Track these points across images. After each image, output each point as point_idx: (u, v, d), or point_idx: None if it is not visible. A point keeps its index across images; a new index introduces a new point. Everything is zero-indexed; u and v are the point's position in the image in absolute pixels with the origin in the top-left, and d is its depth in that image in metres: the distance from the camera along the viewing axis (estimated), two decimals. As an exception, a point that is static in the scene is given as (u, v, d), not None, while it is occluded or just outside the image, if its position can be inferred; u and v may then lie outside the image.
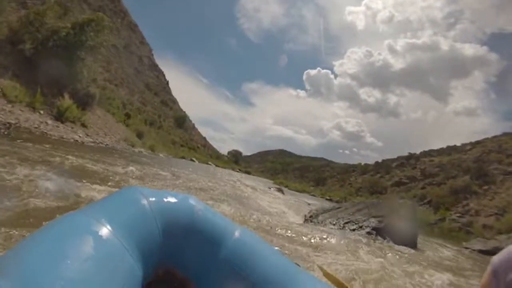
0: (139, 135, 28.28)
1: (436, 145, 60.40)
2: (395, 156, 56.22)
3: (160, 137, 40.12)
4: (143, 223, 1.10)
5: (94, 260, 0.83)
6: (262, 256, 1.27)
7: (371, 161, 59.93)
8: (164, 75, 79.47)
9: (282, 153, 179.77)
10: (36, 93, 14.51)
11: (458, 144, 50.13)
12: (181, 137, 57.79)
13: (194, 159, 36.97)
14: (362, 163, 63.69)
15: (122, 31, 61.16)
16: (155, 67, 75.01)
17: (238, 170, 50.46)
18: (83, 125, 17.49)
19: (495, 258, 0.89)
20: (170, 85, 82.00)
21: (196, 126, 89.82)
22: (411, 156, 50.97)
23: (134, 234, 1.04)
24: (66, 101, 17.37)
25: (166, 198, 1.26)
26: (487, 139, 43.91)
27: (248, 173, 58.17)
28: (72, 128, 15.51)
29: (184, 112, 79.78)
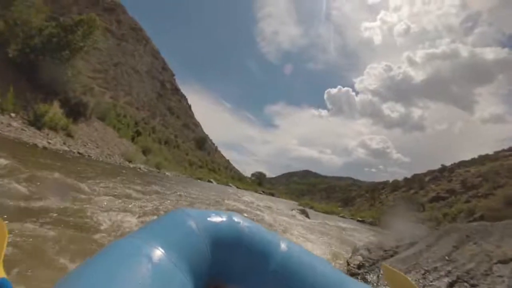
0: (146, 152, 26.09)
1: (466, 156, 56.04)
2: (425, 171, 52.26)
3: (174, 157, 37.95)
4: (191, 243, 1.04)
5: (148, 282, 0.79)
6: (311, 268, 1.12)
7: (399, 178, 55.89)
8: (186, 99, 79.45)
9: (307, 174, 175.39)
10: (10, 95, 12.59)
11: (490, 152, 45.90)
12: (201, 159, 56.11)
13: (212, 180, 34.33)
14: (391, 180, 59.94)
15: (144, 57, 63.01)
16: (177, 91, 75.05)
17: (261, 192, 48.46)
18: (69, 135, 15.20)
19: None
20: (193, 109, 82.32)
21: (219, 149, 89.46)
22: (444, 169, 46.51)
23: (184, 253, 0.99)
24: (55, 108, 15.45)
25: (211, 217, 1.17)
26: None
27: (272, 194, 56.14)
28: (47, 134, 13.16)
29: (206, 134, 79.51)
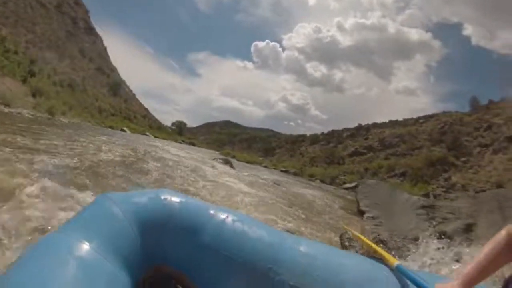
0: (36, 95, 21.46)
1: (379, 120, 60.23)
2: (341, 128, 54.83)
3: (80, 103, 32.58)
4: (118, 230, 1.12)
5: (75, 278, 0.87)
6: (246, 233, 1.27)
7: (317, 132, 58.84)
8: (102, 41, 71.32)
9: (228, 124, 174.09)
10: None
11: (400, 119, 50.01)
12: (114, 106, 50.71)
13: (126, 129, 30.56)
14: (308, 134, 62.11)
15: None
16: (91, 31, 66.67)
17: (181, 142, 45.53)
18: None
19: None
20: (110, 52, 74.12)
21: (138, 96, 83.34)
22: (361, 127, 49.09)
23: (111, 242, 1.06)
24: None
25: (137, 198, 1.28)
26: (436, 114, 43.54)
27: (193, 144, 53.31)
28: None
29: (123, 80, 72.81)
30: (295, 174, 28.20)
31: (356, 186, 22.81)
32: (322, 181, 25.27)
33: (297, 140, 54.89)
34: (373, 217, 8.49)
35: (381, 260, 1.37)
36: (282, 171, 29.22)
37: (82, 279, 0.89)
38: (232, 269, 1.19)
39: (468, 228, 5.09)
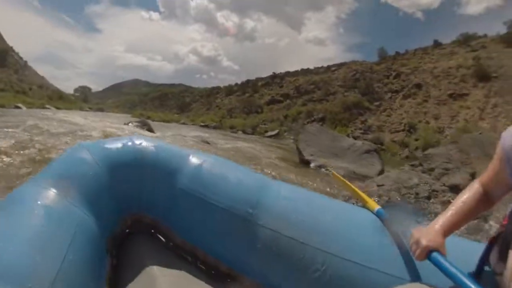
0: None
1: (291, 68, 61.34)
2: (254, 78, 54.30)
3: None
4: (91, 179, 1.10)
5: (42, 224, 0.87)
6: (225, 176, 1.24)
7: (230, 83, 57.08)
8: None
9: (137, 83, 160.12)
10: None
11: (311, 67, 51.30)
12: (2, 79, 44.09)
13: (20, 105, 25.05)
14: (222, 86, 60.04)
15: None
16: None
17: (88, 109, 42.15)
18: None
19: (504, 134, 0.91)
20: None
21: (30, 64, 74.12)
22: (275, 76, 49.00)
23: (83, 190, 1.04)
24: None
25: (110, 145, 1.24)
26: (347, 63, 45.32)
27: (101, 110, 50.29)
28: None
29: (10, 46, 61.05)
30: (215, 127, 26.94)
31: (278, 134, 22.74)
32: (244, 132, 24.50)
33: (212, 93, 52.82)
34: (320, 166, 7.65)
35: (362, 205, 1.37)
36: (201, 125, 27.72)
37: (51, 226, 0.88)
38: (211, 214, 1.16)
39: (475, 178, 4.49)
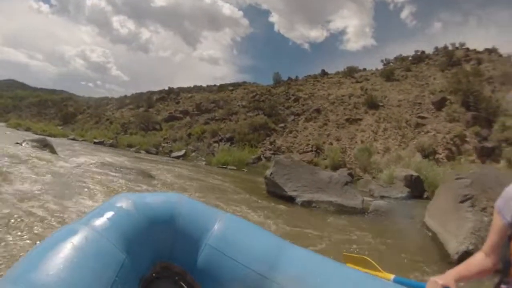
0: None
1: (184, 84, 60.25)
2: (145, 91, 51.48)
3: None
4: (132, 225, 1.20)
5: (89, 263, 0.95)
6: (249, 237, 1.37)
7: (116, 95, 52.12)
8: None
9: (12, 84, 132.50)
10: None
11: (204, 85, 51.27)
12: None
13: None
14: (110, 97, 54.74)
15: None
16: None
17: None
18: None
19: (498, 201, 1.13)
20: None
21: None
22: (171, 91, 47.33)
23: (124, 236, 1.14)
24: None
25: (150, 199, 1.39)
26: (242, 83, 46.44)
27: None
28: None
29: None
30: (112, 145, 24.21)
31: (185, 154, 21.53)
32: (148, 151, 22.60)
33: (101, 104, 47.54)
34: (308, 202, 7.20)
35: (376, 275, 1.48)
36: (95, 142, 24.61)
37: (97, 266, 0.96)
38: (232, 271, 1.25)
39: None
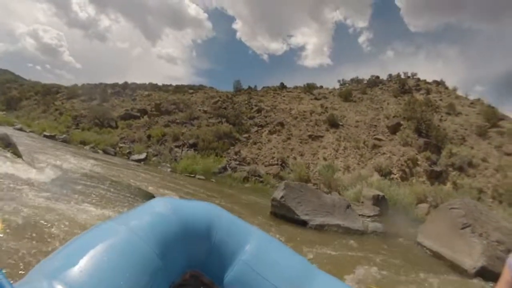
0: None
1: (138, 80, 57.68)
2: (97, 82, 48.74)
3: None
4: (169, 231, 1.20)
5: (125, 263, 0.93)
6: (281, 258, 1.38)
7: (65, 83, 48.21)
8: None
9: None
10: None
11: (160, 84, 49.91)
12: None
13: None
14: (60, 84, 50.77)
15: None
16: None
17: None
18: None
19: (510, 258, 1.23)
20: None
21: None
22: (126, 86, 45.47)
23: (161, 240, 1.13)
24: None
25: (190, 206, 1.41)
26: (201, 87, 45.98)
27: None
28: None
29: None
30: (64, 140, 22.76)
31: (147, 158, 20.91)
32: (105, 152, 21.63)
33: (51, 91, 44.08)
34: (320, 226, 7.56)
35: None
36: (46, 136, 22.97)
37: (132, 265, 0.94)
38: None
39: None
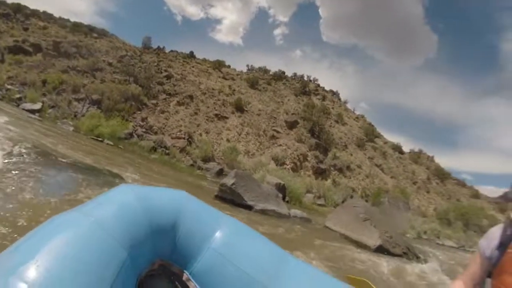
0: None
1: (30, 3, 48.71)
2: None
3: None
4: (134, 220, 1.17)
5: (86, 255, 0.91)
6: (252, 245, 1.39)
7: None
8: None
9: None
10: None
11: (56, 15, 43.77)
12: None
13: None
14: None
15: None
16: None
17: None
18: None
19: (481, 240, 1.29)
20: None
21: None
22: (19, 9, 38.15)
23: (126, 230, 1.11)
24: None
25: (156, 194, 1.36)
26: (107, 34, 42.05)
27: None
28: None
29: None
30: None
31: (42, 109, 18.71)
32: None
33: None
34: (262, 210, 8.92)
35: None
36: None
37: (93, 256, 0.92)
38: (234, 277, 1.25)
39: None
